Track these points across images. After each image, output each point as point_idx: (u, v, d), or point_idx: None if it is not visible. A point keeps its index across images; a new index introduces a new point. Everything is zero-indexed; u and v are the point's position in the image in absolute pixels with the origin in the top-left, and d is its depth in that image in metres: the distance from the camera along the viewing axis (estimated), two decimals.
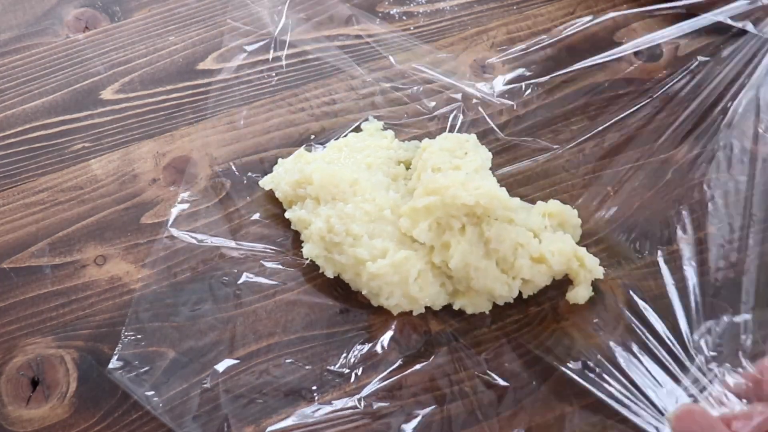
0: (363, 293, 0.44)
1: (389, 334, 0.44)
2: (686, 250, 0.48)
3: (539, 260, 0.44)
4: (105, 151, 0.50)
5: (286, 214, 0.46)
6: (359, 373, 0.43)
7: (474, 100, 0.52)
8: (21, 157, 0.49)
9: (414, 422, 0.41)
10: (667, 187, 0.50)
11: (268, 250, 0.47)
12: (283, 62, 0.54)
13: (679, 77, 0.55)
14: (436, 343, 0.43)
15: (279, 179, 0.47)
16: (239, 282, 0.45)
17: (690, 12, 0.57)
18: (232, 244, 0.47)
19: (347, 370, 0.43)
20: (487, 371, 0.43)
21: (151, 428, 0.41)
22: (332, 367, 0.43)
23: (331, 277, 0.45)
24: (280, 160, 0.49)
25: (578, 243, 0.47)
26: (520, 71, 0.54)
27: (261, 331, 0.44)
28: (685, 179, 0.50)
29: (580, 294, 0.44)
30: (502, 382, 0.42)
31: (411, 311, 0.44)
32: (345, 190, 0.45)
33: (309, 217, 0.45)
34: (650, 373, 0.43)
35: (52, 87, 0.52)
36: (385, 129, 0.50)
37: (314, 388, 0.43)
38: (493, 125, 0.52)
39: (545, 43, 0.56)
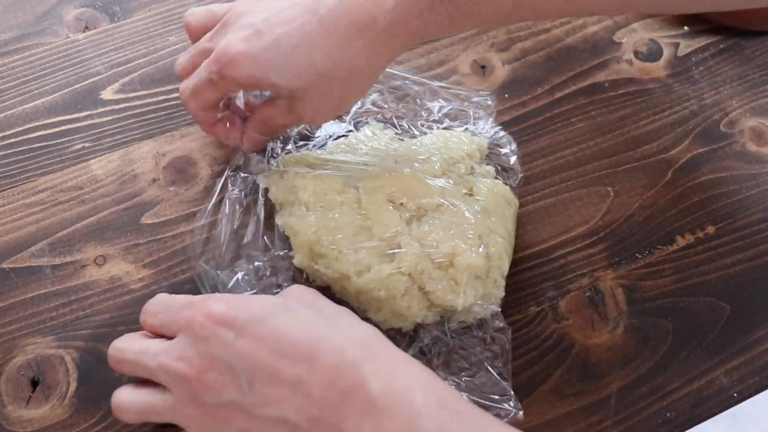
0: (353, 307, 0.43)
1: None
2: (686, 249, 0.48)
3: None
4: (105, 151, 0.50)
5: (276, 219, 0.45)
6: None
7: (474, 100, 0.52)
8: (21, 157, 0.49)
9: None
10: (667, 187, 0.50)
11: (268, 250, 0.47)
12: None
13: (679, 77, 0.55)
14: (434, 344, 0.43)
15: (275, 181, 0.46)
16: (240, 281, 0.45)
17: (690, 13, 0.58)
18: (233, 243, 0.47)
19: None
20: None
21: (151, 428, 0.41)
22: None
23: (322, 286, 0.44)
24: (283, 155, 0.48)
25: (579, 243, 0.47)
26: (519, 71, 0.54)
27: None
28: (685, 179, 0.50)
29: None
30: (502, 382, 0.42)
31: (400, 327, 0.43)
32: (333, 199, 0.44)
33: (298, 224, 0.43)
34: None
35: (52, 87, 0.52)
36: (385, 128, 0.50)
37: None
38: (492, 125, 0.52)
39: (545, 43, 0.56)
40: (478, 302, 0.42)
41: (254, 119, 0.46)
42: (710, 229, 0.49)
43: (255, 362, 0.34)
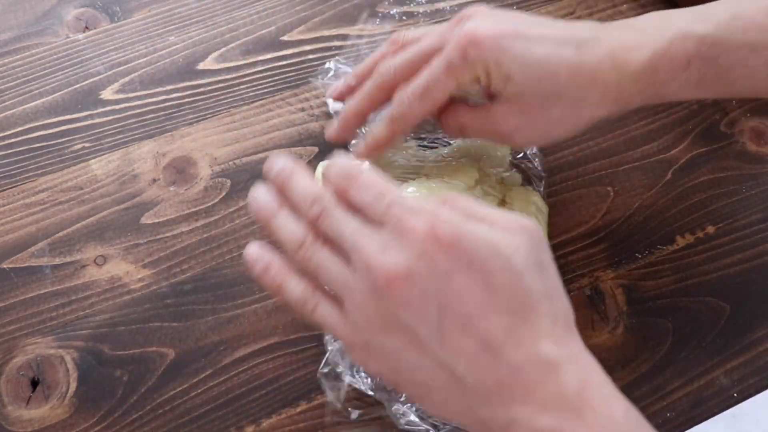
0: None
1: None
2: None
3: None
4: (105, 151, 0.50)
5: None
6: (360, 374, 0.43)
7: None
8: (21, 157, 0.49)
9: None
10: (667, 187, 0.50)
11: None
12: (283, 62, 0.54)
13: None
14: None
15: None
16: (239, 282, 0.45)
17: None
18: (233, 243, 0.47)
19: (347, 371, 0.43)
20: None
21: (151, 428, 0.41)
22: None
23: None
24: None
25: (579, 243, 0.47)
26: None
27: (261, 331, 0.44)
28: (685, 179, 0.50)
29: None
30: None
31: None
32: None
33: None
34: None
35: (52, 87, 0.52)
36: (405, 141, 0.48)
37: (315, 388, 0.43)
38: None
39: None
40: None
41: (451, 116, 0.43)
42: (710, 229, 0.49)
43: (457, 304, 0.31)
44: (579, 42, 0.40)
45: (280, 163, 0.38)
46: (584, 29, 0.41)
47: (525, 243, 0.32)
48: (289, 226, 0.36)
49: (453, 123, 0.43)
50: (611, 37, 0.40)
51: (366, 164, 0.37)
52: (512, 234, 0.32)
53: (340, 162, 0.36)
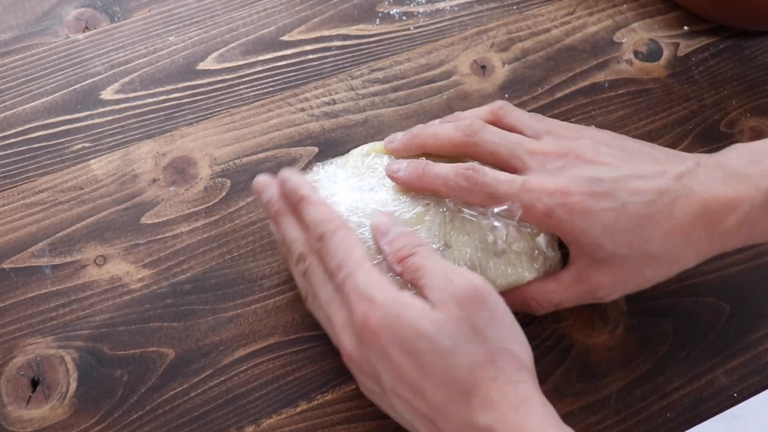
0: None
1: None
2: None
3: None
4: (105, 151, 0.50)
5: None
6: None
7: (474, 100, 0.52)
8: (21, 157, 0.49)
9: None
10: None
11: (267, 250, 0.47)
12: (283, 62, 0.54)
13: (679, 77, 0.55)
14: None
15: None
16: (239, 282, 0.45)
17: (691, 13, 0.57)
18: (233, 244, 0.47)
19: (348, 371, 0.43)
20: None
21: (151, 428, 0.41)
22: (333, 368, 0.43)
23: None
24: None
25: None
26: (519, 71, 0.54)
27: (261, 331, 0.44)
28: None
29: None
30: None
31: None
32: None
33: None
34: None
35: (52, 87, 0.52)
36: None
37: (315, 388, 0.43)
38: None
39: (545, 43, 0.56)
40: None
41: (523, 295, 0.41)
42: None
43: (401, 378, 0.35)
44: (671, 198, 0.38)
45: None
46: (673, 176, 0.39)
47: (452, 315, 0.34)
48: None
49: (547, 304, 0.42)
50: (703, 188, 0.38)
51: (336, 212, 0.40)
52: (441, 308, 0.35)
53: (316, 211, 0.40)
